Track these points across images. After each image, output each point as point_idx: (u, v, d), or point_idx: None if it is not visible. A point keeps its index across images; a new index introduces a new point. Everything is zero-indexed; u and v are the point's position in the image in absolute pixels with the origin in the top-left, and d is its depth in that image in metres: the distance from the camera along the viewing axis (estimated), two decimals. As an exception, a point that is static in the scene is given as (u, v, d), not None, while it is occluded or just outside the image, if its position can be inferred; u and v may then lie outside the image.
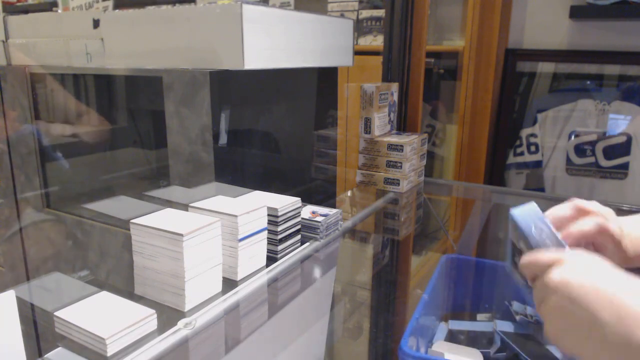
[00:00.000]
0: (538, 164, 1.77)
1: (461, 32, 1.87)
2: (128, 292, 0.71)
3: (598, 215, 0.55)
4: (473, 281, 0.91)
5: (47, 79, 1.09)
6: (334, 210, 0.94)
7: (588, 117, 1.69)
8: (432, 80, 1.97)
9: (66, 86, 1.13)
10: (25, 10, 2.85)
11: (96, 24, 0.93)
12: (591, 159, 1.68)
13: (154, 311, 0.62)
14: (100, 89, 1.13)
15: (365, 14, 1.97)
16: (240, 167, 0.93)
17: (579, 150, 1.70)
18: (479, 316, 0.85)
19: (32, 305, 0.76)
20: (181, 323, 0.64)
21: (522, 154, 1.79)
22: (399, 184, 1.29)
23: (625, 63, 1.65)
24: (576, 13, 1.58)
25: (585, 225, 0.53)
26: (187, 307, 0.67)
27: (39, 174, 1.11)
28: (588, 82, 1.71)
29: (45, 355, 0.58)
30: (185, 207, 0.77)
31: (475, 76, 1.72)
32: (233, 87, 0.88)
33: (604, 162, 1.67)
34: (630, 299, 0.40)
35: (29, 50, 1.06)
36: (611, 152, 1.65)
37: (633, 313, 0.39)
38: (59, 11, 2.61)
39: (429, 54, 1.74)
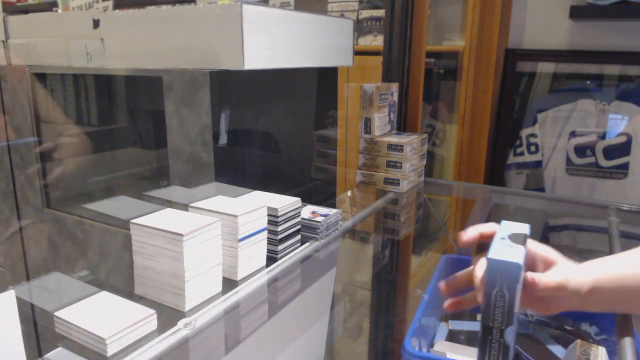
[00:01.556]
0: (538, 164, 1.77)
1: (461, 32, 1.87)
2: (128, 292, 0.71)
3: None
4: (473, 281, 0.90)
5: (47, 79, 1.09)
6: (334, 210, 0.94)
7: (588, 117, 1.69)
8: (432, 80, 1.97)
9: (66, 86, 1.13)
10: (25, 10, 2.85)
11: (96, 24, 0.93)
12: (591, 159, 1.68)
13: (154, 311, 0.62)
14: (100, 89, 1.13)
15: (365, 14, 1.97)
16: (240, 167, 0.93)
17: (579, 150, 1.70)
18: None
19: (32, 305, 0.76)
20: (181, 323, 0.63)
21: (522, 154, 1.79)
22: (399, 184, 1.29)
23: (625, 63, 1.65)
24: (576, 13, 1.59)
25: None
26: (187, 307, 0.67)
27: (39, 174, 1.11)
28: (588, 82, 1.71)
29: (45, 355, 0.58)
30: (185, 207, 0.77)
31: (475, 76, 1.72)
32: (233, 87, 0.88)
33: (604, 162, 1.67)
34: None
35: (29, 50, 1.06)
36: (611, 152, 1.65)
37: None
38: (59, 11, 2.61)
39: (429, 54, 1.74)
